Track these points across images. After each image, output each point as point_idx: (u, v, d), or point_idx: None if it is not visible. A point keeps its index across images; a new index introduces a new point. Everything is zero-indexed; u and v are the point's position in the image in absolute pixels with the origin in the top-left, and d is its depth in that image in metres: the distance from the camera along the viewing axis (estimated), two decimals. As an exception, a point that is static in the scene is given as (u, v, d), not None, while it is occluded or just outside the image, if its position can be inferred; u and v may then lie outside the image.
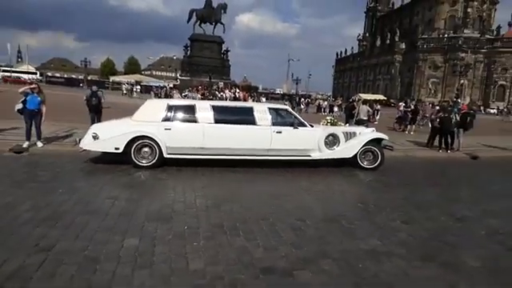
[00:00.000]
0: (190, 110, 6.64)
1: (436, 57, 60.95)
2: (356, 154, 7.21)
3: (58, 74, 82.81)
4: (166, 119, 6.48)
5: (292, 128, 6.88)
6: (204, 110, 6.66)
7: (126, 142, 6.19)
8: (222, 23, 38.61)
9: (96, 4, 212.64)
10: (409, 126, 15.93)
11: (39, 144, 7.70)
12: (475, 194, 6.10)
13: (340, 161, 7.28)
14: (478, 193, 6.18)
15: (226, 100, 22.42)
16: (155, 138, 6.27)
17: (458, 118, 10.90)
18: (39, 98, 7.61)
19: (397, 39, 67.60)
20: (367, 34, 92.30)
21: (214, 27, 38.51)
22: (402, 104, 19.64)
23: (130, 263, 2.91)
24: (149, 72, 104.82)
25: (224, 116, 6.71)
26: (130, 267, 2.85)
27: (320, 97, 57.13)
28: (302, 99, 33.04)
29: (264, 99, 24.92)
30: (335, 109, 23.13)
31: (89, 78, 58.84)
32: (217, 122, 6.58)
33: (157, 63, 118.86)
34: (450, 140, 10.57)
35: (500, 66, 56.76)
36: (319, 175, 6.72)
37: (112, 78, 65.18)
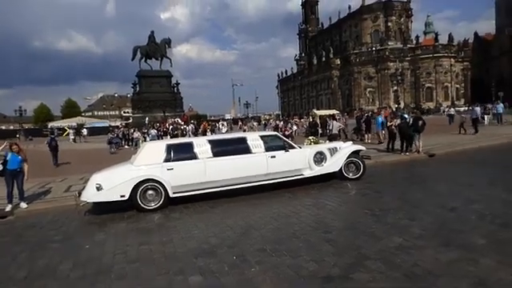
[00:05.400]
0: (189, 147, 6.91)
1: (369, 68, 66.67)
2: (341, 167, 7.94)
3: (-17, 127, 76.09)
4: (167, 160, 6.66)
5: (284, 151, 7.43)
6: (201, 145, 6.97)
7: (131, 188, 6.25)
8: (167, 57, 38.92)
9: (16, 47, 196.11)
10: (366, 135, 17.36)
11: (23, 205, 7.28)
12: (451, 186, 6.98)
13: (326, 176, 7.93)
14: (453, 185, 7.09)
15: (188, 133, 22.46)
16: (160, 180, 6.42)
17: (411, 123, 12.34)
18: (20, 157, 7.31)
19: (331, 56, 72.86)
20: (303, 54, 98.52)
21: (161, 62, 38.63)
22: (338, 117, 23.16)
23: (209, 297, 3.15)
24: (90, 113, 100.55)
25: (221, 148, 7.07)
26: (211, 300, 3.09)
27: (268, 117, 58.90)
28: (253, 122, 34.54)
29: (224, 128, 25.31)
30: (294, 127, 24.31)
31: (25, 127, 55.13)
32: (215, 155, 6.91)
33: (97, 103, 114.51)
34: (407, 143, 11.88)
35: (424, 71, 63.60)
36: (315, 190, 7.28)
37: (50, 124, 61.19)
